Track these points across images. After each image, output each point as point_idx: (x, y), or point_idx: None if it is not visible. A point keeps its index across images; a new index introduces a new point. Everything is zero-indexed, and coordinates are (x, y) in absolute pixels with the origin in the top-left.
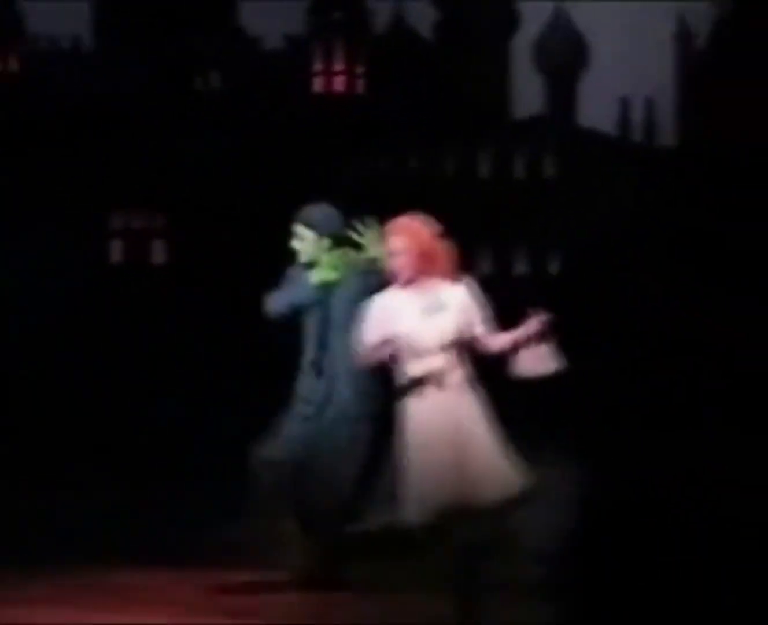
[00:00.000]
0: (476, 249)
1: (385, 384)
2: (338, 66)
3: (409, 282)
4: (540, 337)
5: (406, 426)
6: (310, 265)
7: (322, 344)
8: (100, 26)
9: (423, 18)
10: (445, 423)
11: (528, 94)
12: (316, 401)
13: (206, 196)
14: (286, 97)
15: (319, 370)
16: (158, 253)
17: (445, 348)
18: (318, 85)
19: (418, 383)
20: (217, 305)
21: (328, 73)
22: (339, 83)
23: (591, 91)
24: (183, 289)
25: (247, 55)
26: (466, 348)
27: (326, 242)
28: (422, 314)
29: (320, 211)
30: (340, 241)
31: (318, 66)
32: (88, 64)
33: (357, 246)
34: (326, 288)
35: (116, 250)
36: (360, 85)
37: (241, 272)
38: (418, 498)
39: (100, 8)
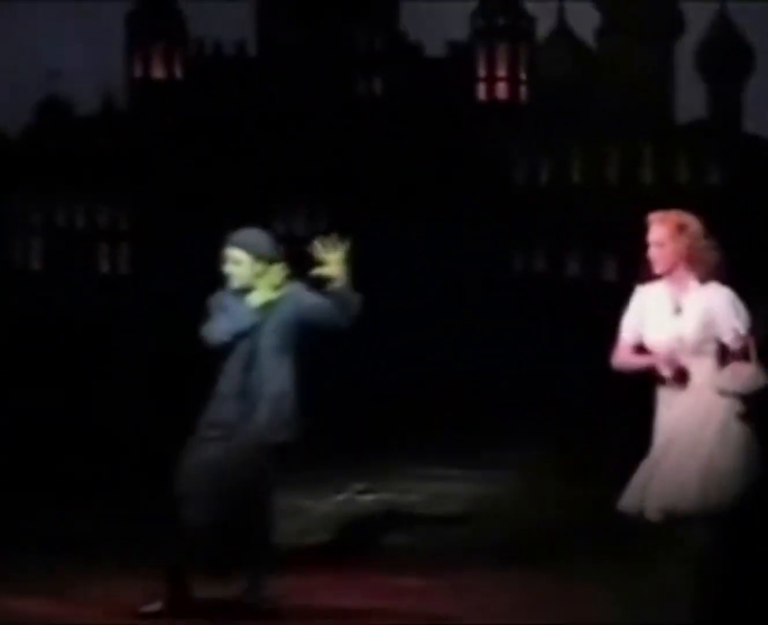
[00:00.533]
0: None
1: (305, 411)
2: (501, 72)
3: (665, 275)
4: (747, 353)
5: (655, 425)
6: (242, 290)
7: (249, 367)
8: (264, 31)
9: (585, 22)
10: (685, 425)
11: (691, 99)
12: (230, 423)
13: (369, 203)
14: (449, 104)
15: (243, 393)
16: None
17: (685, 351)
18: (481, 92)
19: (661, 383)
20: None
21: (491, 80)
22: (502, 90)
23: (757, 97)
24: None
25: (408, 61)
26: (716, 353)
27: (261, 266)
28: (669, 314)
29: (254, 235)
30: (272, 264)
31: (481, 72)
32: (252, 70)
33: (318, 263)
34: (264, 310)
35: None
36: (523, 92)
37: (411, 280)
38: (643, 489)
39: (264, 14)
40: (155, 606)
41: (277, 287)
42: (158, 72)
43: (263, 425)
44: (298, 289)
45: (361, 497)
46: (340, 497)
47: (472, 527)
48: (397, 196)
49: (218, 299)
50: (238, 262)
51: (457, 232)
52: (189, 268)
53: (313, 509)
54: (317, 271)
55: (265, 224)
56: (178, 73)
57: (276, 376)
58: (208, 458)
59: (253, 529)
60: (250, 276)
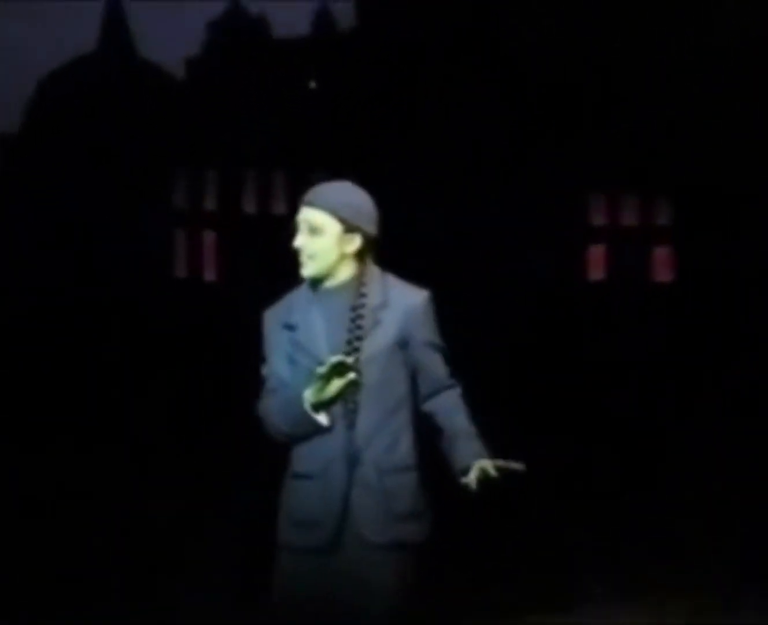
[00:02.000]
0: None
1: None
2: None
3: None
4: None
5: None
6: (318, 281)
7: (349, 422)
8: None
9: None
10: None
11: None
12: (325, 521)
13: (723, 185)
14: None
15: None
16: (658, 265)
17: None
18: None
19: None
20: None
21: None
22: None
23: None
24: (689, 312)
25: None
26: None
27: (358, 241)
28: None
29: (346, 191)
30: (373, 244)
31: None
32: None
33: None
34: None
35: (596, 258)
36: None
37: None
38: None
39: None
40: None
41: (341, 388)
42: None
43: (365, 519)
44: (424, 307)
45: None
46: None
47: None
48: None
49: (278, 315)
50: (317, 231)
51: None
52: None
53: None
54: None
55: (578, 214)
56: None
57: (382, 432)
58: (304, 583)
59: None
60: (335, 257)
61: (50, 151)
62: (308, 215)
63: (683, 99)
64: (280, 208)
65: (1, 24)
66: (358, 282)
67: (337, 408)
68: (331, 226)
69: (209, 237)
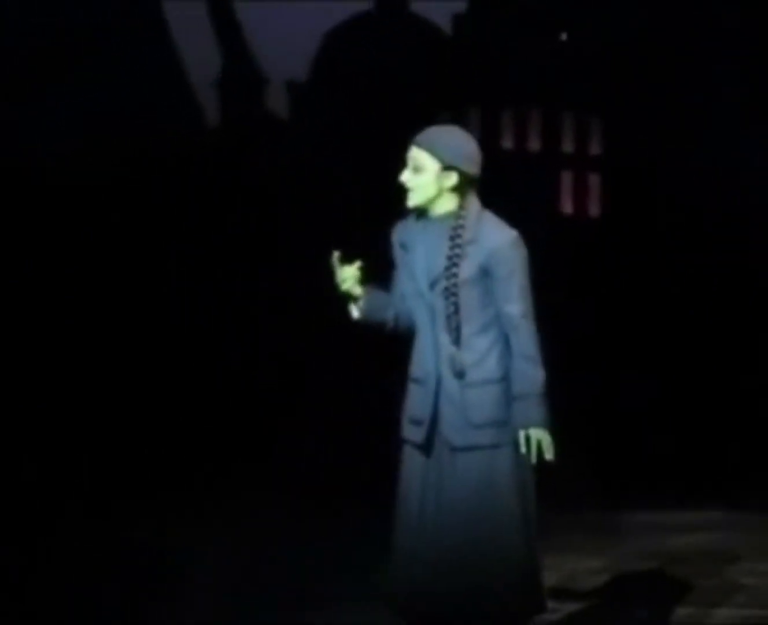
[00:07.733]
0: None
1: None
2: None
3: None
4: None
5: None
6: (422, 212)
7: (450, 323)
8: None
9: None
10: None
11: None
12: (423, 422)
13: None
14: None
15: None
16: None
17: None
18: None
19: None
20: None
21: None
22: None
23: None
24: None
25: None
26: None
27: (455, 178)
28: None
29: (448, 134)
30: (471, 182)
31: None
32: None
33: None
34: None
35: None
36: None
37: None
38: None
39: None
40: None
41: None
42: None
43: (448, 422)
44: (507, 246)
45: None
46: None
47: None
48: None
49: (397, 233)
50: (419, 168)
51: None
52: None
53: None
54: None
55: None
56: None
57: (471, 349)
58: (419, 475)
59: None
60: (434, 191)
61: (332, 96)
62: (414, 153)
63: None
64: (534, 144)
65: None
66: (457, 215)
67: (442, 325)
68: (431, 164)
69: None
